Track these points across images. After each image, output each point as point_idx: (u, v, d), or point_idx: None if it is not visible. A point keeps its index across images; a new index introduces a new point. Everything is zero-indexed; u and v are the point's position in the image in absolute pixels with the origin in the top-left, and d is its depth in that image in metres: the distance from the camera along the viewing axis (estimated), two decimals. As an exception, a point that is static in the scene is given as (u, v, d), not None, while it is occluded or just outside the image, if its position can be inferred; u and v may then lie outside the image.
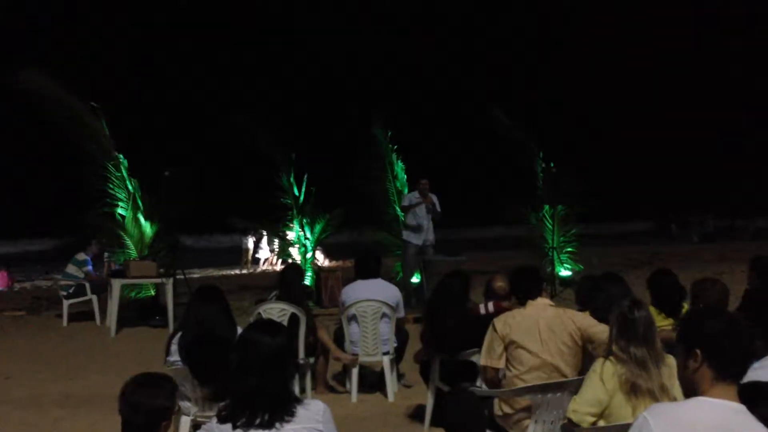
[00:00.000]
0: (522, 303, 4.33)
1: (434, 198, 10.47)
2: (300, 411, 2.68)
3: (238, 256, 22.44)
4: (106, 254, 10.93)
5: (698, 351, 2.23)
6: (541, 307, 4.23)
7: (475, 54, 41.19)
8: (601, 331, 3.96)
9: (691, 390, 2.27)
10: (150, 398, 2.71)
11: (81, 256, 10.44)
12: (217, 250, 26.12)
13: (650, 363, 3.31)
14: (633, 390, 3.28)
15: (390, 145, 12.14)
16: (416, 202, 10.38)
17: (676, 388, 3.17)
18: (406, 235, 10.59)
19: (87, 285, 10.24)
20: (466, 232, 26.55)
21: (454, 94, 38.91)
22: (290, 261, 11.44)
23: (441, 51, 40.99)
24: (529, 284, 4.38)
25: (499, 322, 4.24)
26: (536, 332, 4.09)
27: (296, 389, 5.67)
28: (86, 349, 8.64)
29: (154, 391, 2.74)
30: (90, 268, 10.41)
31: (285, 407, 2.67)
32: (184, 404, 4.58)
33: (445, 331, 5.12)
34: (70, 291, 10.29)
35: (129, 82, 34.14)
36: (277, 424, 2.63)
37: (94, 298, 10.23)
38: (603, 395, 3.34)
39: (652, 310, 3.69)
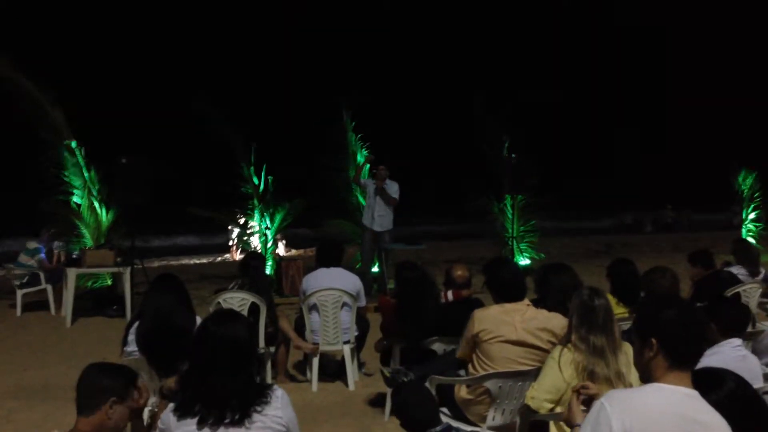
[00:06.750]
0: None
1: (395, 186, 10.45)
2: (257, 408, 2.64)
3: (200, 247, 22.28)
4: (55, 243, 10.66)
5: (654, 340, 2.26)
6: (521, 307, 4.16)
7: (445, 44, 41.10)
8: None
9: (647, 377, 2.31)
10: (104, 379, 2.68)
11: (32, 245, 10.17)
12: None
13: (608, 351, 3.36)
14: (590, 378, 3.32)
15: (354, 135, 12.06)
16: (365, 182, 10.69)
17: (633, 375, 3.22)
18: (363, 218, 10.70)
19: (42, 274, 10.02)
20: (427, 222, 26.58)
21: (424, 82, 38.81)
22: (251, 250, 11.32)
23: (413, 38, 40.77)
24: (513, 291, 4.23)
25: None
26: (512, 325, 4.04)
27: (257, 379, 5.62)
28: (41, 340, 8.46)
29: (112, 373, 2.73)
30: (43, 255, 10.17)
31: (243, 405, 2.62)
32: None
33: (420, 320, 5.09)
34: (24, 281, 10.04)
35: (84, 66, 33.38)
36: (237, 420, 2.59)
37: (49, 287, 9.99)
38: (560, 382, 3.39)
39: (611, 298, 3.74)
